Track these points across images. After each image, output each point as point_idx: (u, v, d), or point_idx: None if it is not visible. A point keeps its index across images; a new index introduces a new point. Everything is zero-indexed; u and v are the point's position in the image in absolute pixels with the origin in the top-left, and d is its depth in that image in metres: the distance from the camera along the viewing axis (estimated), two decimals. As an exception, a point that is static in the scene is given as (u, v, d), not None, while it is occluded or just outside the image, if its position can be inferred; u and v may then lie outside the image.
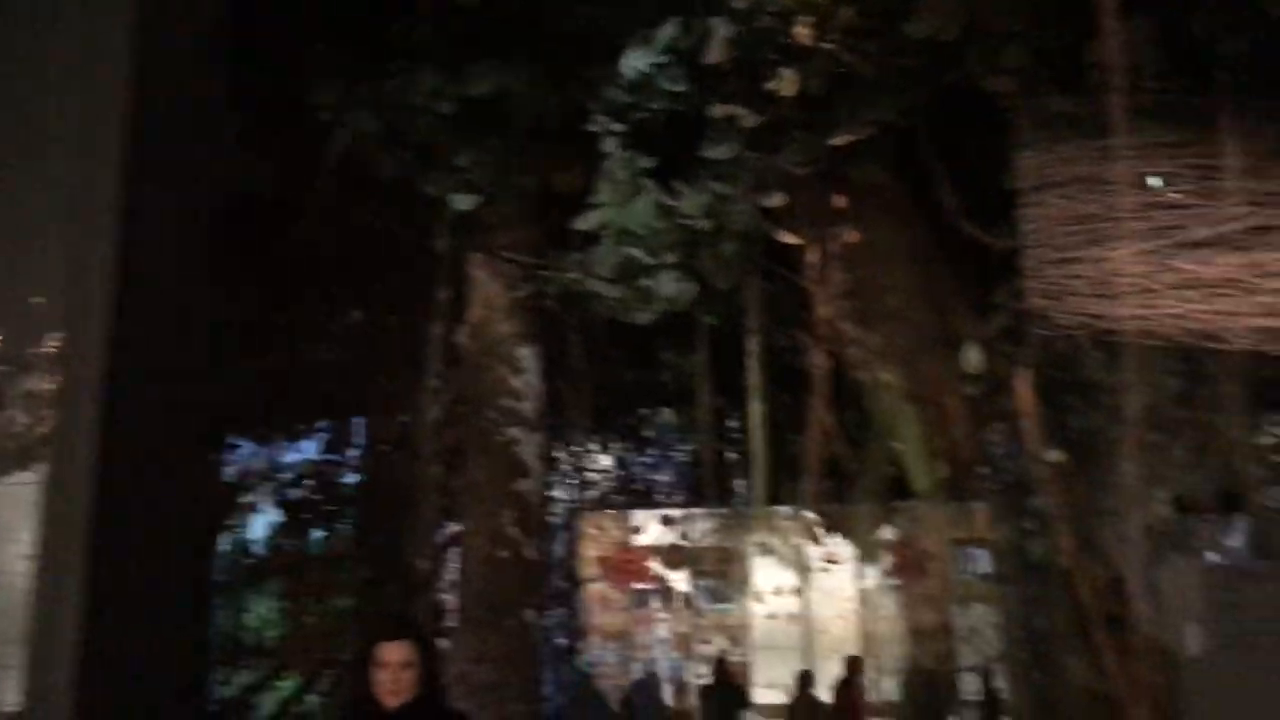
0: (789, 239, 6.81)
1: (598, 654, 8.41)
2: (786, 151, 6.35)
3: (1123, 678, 4.92)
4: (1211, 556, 4.71)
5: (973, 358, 6.19)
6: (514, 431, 7.12)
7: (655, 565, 7.84)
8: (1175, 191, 4.43)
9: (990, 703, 6.53)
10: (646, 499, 9.72)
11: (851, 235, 5.75)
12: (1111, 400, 5.22)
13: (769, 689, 7.67)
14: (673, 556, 7.65)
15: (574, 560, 8.71)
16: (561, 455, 9.14)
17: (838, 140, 6.43)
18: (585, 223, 6.53)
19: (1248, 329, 4.15)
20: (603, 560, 8.09)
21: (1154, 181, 4.40)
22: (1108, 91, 4.78)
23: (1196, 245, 4.36)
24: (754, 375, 6.95)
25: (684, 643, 7.86)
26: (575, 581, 8.72)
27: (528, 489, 7.07)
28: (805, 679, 7.17)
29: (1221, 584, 4.46)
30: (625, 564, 7.86)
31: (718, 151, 6.69)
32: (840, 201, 5.82)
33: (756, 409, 6.98)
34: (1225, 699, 4.32)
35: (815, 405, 6.73)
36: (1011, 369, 5.89)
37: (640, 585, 8.24)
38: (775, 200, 6.75)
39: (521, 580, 7.00)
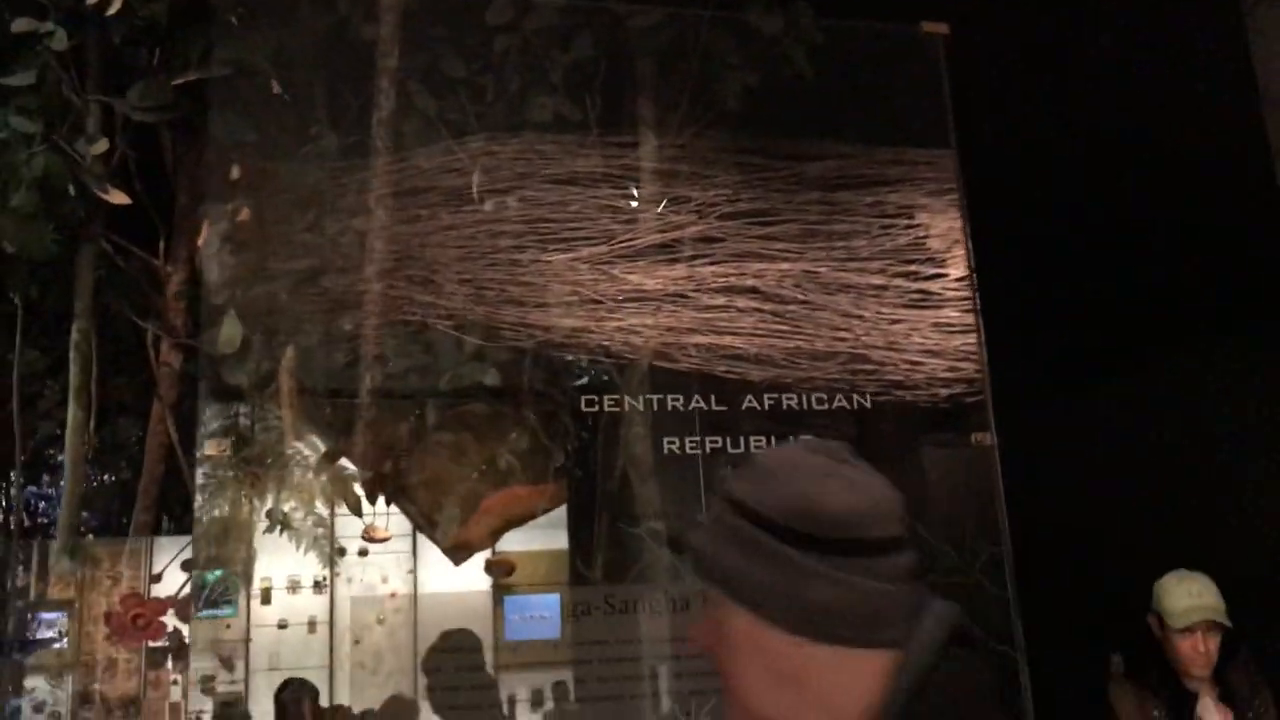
0: (117, 198, 5.35)
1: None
2: (130, 91, 4.90)
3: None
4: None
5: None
6: None
7: (171, 618, 5.81)
8: (621, 194, 4.15)
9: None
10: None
11: (241, 212, 4.57)
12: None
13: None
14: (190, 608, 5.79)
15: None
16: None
17: (182, 80, 5.15)
18: None
19: (695, 346, 4.05)
20: (110, 616, 5.95)
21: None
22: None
23: (639, 254, 4.14)
24: (77, 373, 5.41)
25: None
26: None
27: None
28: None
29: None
30: (136, 619, 5.74)
31: (18, 78, 4.99)
32: (235, 171, 4.59)
33: (76, 417, 5.47)
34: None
35: (157, 414, 5.47)
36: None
37: (155, 643, 6.14)
38: (97, 148, 5.28)
39: None
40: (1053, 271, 5.87)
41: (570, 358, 4.00)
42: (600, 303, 4.12)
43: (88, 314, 5.42)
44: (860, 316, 4.10)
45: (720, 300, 4.08)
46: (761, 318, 4.08)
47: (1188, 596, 3.40)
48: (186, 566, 6.11)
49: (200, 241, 4.80)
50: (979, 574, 4.34)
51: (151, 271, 5.24)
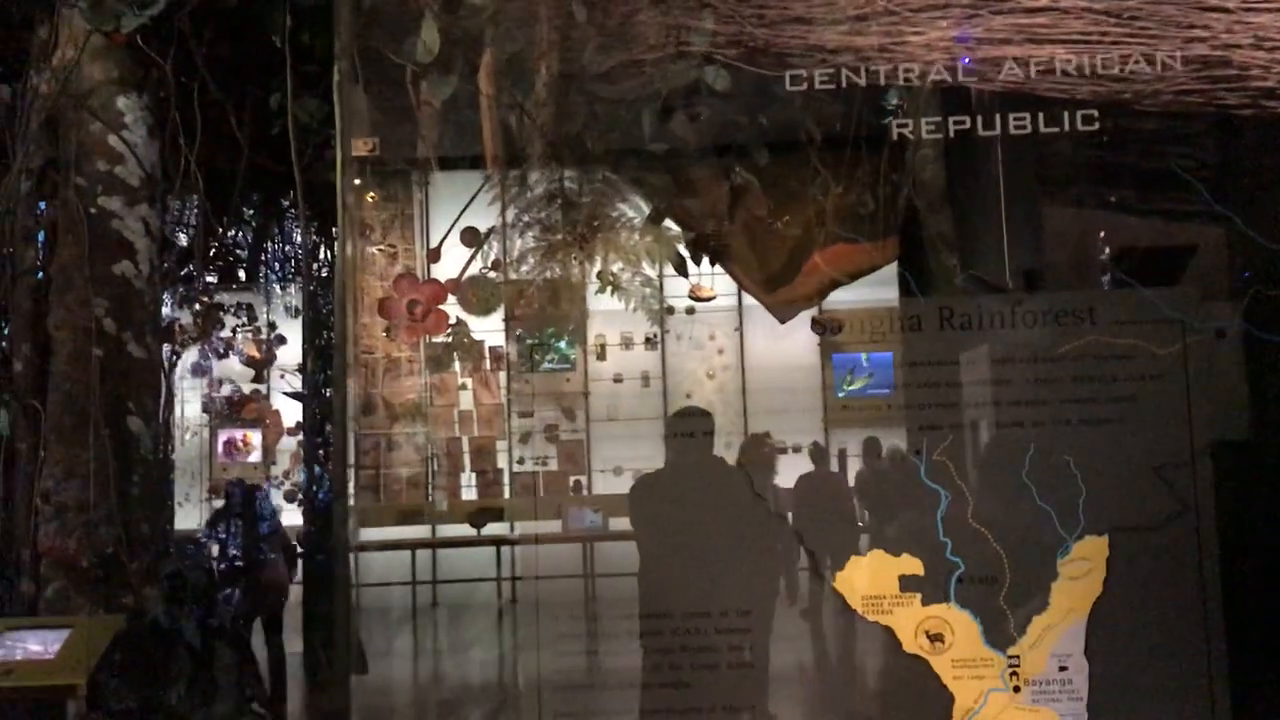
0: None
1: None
2: None
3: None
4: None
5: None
6: (112, 202, 5.39)
7: (454, 307, 4.91)
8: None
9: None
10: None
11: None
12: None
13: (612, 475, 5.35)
14: (476, 294, 4.92)
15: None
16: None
17: None
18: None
19: (1012, 58, 3.51)
20: (385, 304, 4.88)
21: None
22: None
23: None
24: (341, 115, 5.39)
25: (493, 419, 5.51)
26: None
27: (131, 273, 5.54)
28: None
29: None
30: (414, 306, 4.78)
31: None
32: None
33: (343, 160, 5.41)
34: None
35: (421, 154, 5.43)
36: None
37: (439, 338, 5.14)
38: None
39: (121, 381, 5.53)
40: None
41: (877, 85, 3.57)
42: (895, 14, 3.61)
43: (347, 54, 5.34)
44: (1220, 9, 3.39)
45: (1042, 2, 3.48)
46: (1092, 20, 3.46)
47: None
48: (468, 238, 5.25)
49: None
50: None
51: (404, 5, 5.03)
